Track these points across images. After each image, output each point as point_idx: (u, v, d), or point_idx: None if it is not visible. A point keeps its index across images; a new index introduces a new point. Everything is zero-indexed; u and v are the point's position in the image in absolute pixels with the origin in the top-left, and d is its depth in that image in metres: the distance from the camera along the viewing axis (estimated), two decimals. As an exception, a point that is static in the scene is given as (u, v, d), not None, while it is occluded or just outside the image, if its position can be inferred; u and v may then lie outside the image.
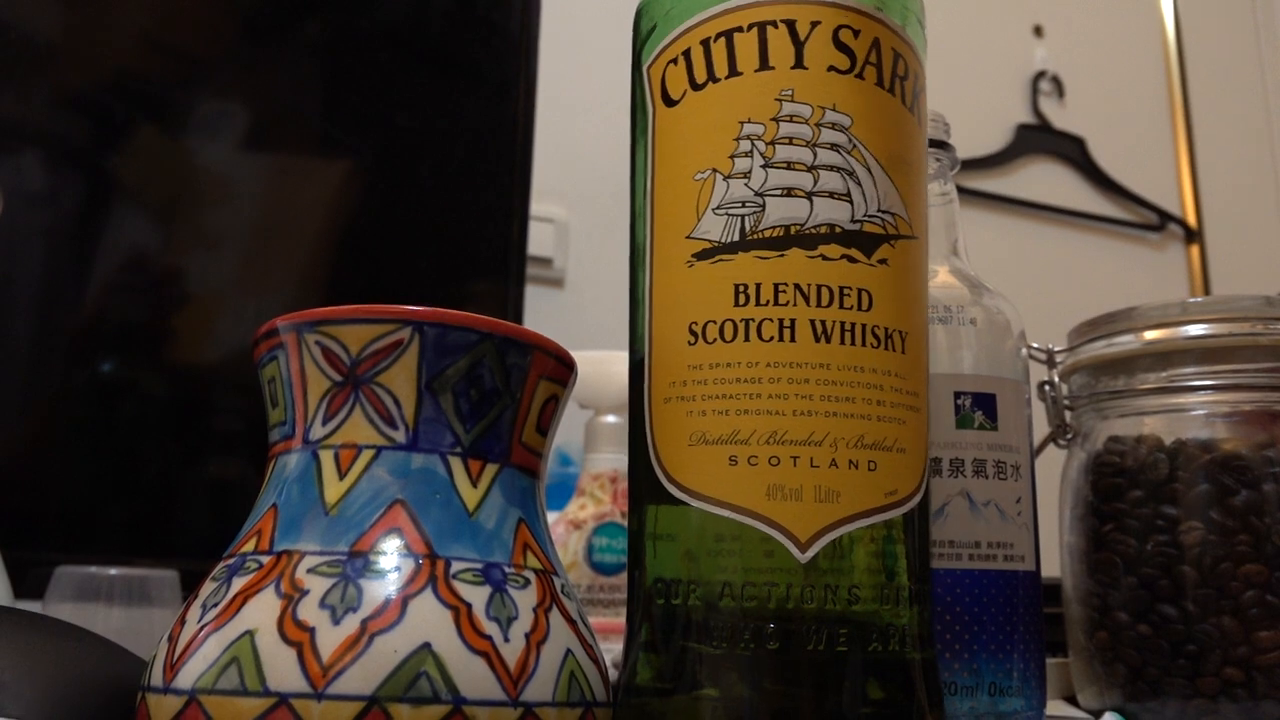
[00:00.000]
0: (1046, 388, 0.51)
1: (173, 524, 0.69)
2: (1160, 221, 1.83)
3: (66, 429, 0.67)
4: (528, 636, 0.27)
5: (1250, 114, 1.98)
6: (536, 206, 0.93)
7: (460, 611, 0.27)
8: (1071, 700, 0.52)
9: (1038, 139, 1.77)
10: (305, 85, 0.79)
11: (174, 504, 0.69)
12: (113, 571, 0.51)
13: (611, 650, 0.34)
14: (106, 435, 0.67)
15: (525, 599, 0.28)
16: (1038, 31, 1.83)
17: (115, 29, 0.72)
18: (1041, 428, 0.49)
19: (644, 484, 0.32)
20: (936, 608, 0.39)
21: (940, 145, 0.45)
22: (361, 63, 0.80)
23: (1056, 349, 0.51)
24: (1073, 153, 1.79)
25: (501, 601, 0.28)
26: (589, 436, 0.70)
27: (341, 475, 0.29)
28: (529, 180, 0.85)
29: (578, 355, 0.33)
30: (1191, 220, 1.86)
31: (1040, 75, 1.80)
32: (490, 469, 0.30)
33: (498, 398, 0.30)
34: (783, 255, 0.31)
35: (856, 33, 0.33)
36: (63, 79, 0.70)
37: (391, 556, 0.27)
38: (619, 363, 0.65)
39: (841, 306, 0.31)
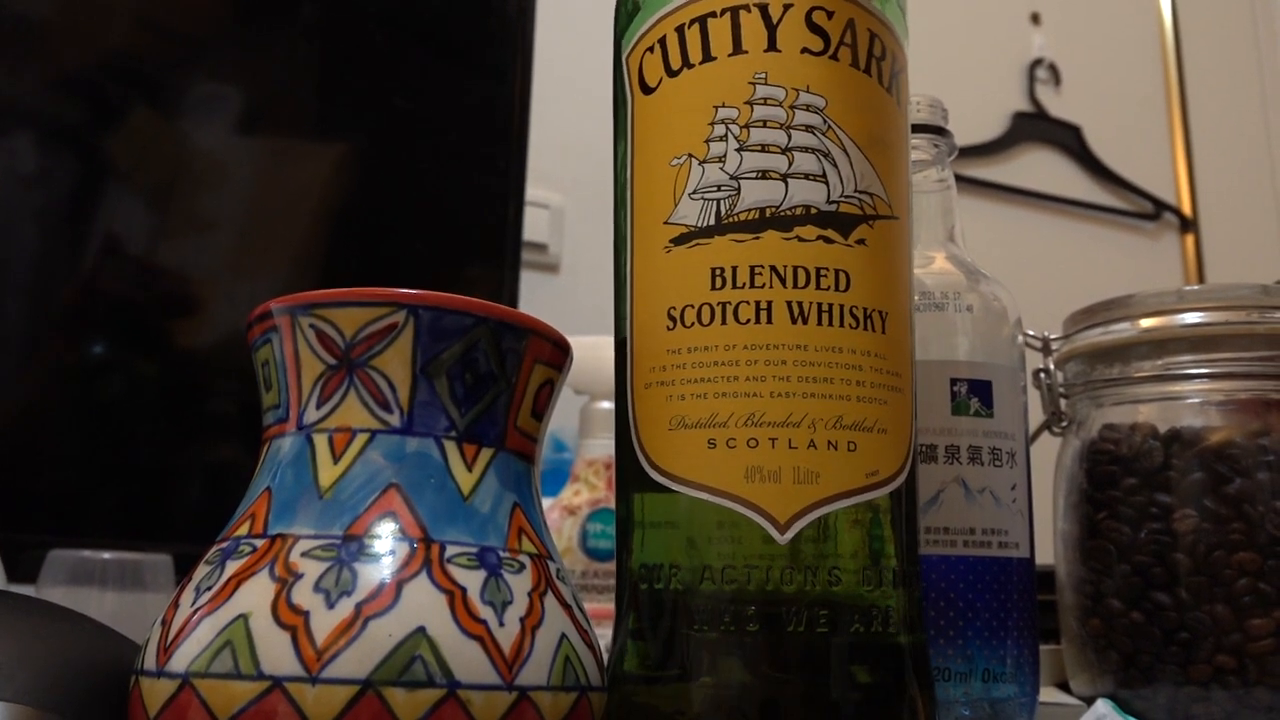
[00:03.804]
0: (1042, 375, 0.51)
1: (166, 508, 0.68)
2: (1155, 210, 1.83)
3: (60, 412, 0.67)
4: (522, 621, 0.27)
5: (1246, 103, 1.98)
6: (532, 192, 0.93)
7: (455, 595, 0.27)
8: (1064, 687, 0.52)
9: (1034, 127, 1.77)
10: (300, 68, 0.78)
11: (168, 487, 0.69)
12: (106, 555, 0.51)
13: (606, 635, 0.34)
14: (100, 418, 0.67)
15: (520, 583, 0.28)
16: (1035, 19, 1.82)
17: (109, 9, 0.72)
18: (1036, 415, 0.49)
19: (629, 470, 0.32)
20: (931, 594, 0.39)
21: (938, 131, 0.45)
22: (357, 45, 0.79)
23: (1052, 336, 0.51)
24: (1069, 141, 1.79)
25: (496, 586, 0.28)
26: (583, 422, 0.70)
27: (336, 459, 0.29)
28: (524, 165, 0.85)
29: (572, 341, 0.33)
30: (1186, 209, 1.86)
31: (1037, 63, 1.80)
32: (485, 453, 0.30)
33: (493, 382, 0.30)
34: (758, 238, 0.31)
35: (830, 14, 0.33)
36: (56, 59, 0.69)
37: (386, 540, 0.27)
38: (613, 348, 0.64)
39: (818, 287, 0.31)
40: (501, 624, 0.27)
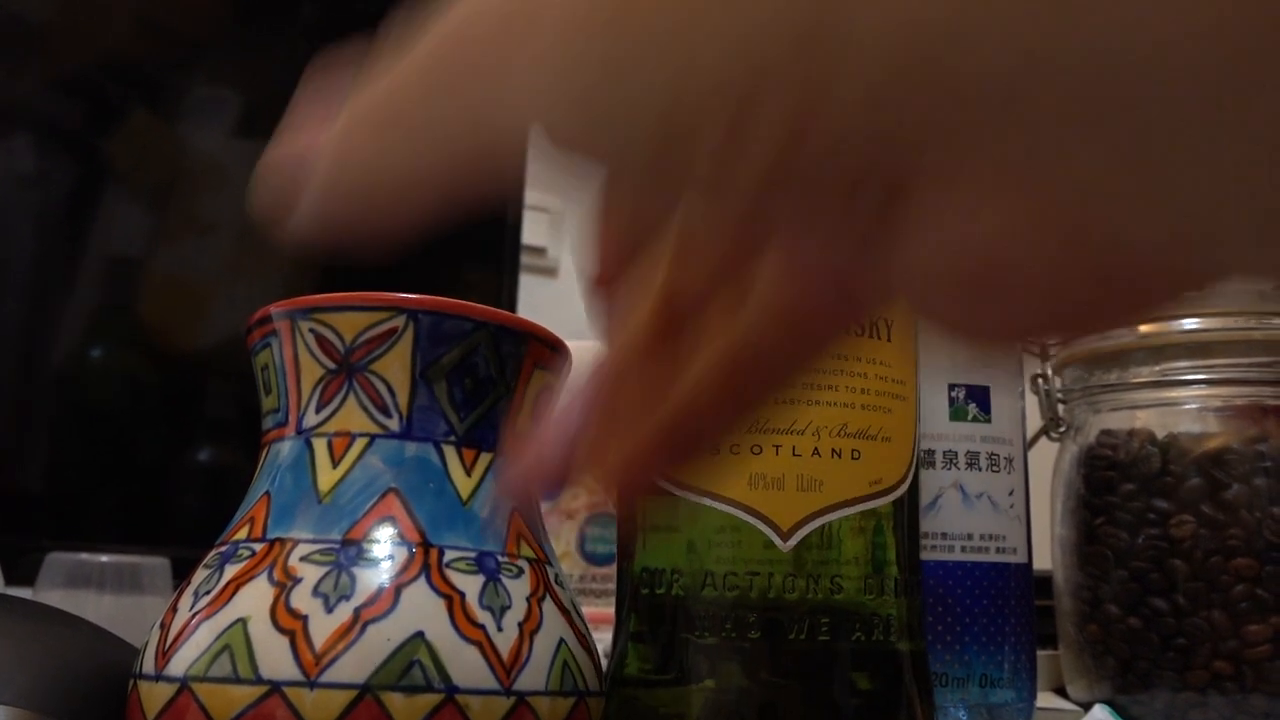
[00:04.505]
0: (1040, 380, 0.51)
1: (165, 511, 0.68)
2: (1154, 215, 1.83)
3: (58, 415, 0.67)
4: (521, 626, 0.27)
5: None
6: (531, 196, 0.93)
7: (453, 600, 0.27)
8: (1061, 692, 0.52)
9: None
10: (300, 68, 0.78)
11: (166, 491, 0.69)
12: (104, 558, 0.51)
13: (604, 640, 0.34)
14: (99, 422, 0.67)
15: (518, 588, 0.28)
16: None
17: (109, 9, 0.72)
18: (1034, 420, 0.49)
19: (631, 472, 0.32)
20: (928, 599, 0.39)
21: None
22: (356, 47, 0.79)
23: (1050, 342, 0.51)
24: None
25: (495, 590, 0.28)
26: (582, 426, 0.70)
27: (335, 463, 0.29)
28: (524, 169, 0.85)
29: (571, 345, 0.33)
30: (1185, 214, 1.86)
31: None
32: (484, 458, 0.30)
33: (492, 386, 0.30)
34: None
35: None
36: (56, 60, 0.69)
37: (385, 545, 0.27)
38: (613, 352, 0.64)
39: None
40: (500, 629, 0.27)
